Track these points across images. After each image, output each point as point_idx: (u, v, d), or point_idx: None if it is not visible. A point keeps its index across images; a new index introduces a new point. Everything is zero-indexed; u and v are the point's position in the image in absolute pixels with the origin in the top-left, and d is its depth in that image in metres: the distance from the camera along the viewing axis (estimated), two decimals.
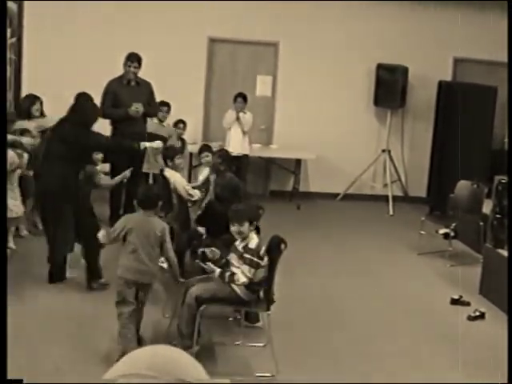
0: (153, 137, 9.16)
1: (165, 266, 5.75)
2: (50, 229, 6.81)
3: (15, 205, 7.41)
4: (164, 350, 1.21)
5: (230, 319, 6.24)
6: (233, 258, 5.39)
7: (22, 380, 3.49)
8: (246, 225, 5.28)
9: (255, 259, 5.22)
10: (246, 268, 5.22)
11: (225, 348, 5.71)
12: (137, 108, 8.66)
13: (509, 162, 8.18)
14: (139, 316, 5.42)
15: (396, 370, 5.60)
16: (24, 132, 8.02)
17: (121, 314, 5.29)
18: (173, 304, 5.92)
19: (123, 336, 5.25)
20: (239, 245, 5.35)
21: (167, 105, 9.44)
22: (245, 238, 5.32)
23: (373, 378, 5.41)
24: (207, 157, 8.09)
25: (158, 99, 9.14)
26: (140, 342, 5.29)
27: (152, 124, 9.30)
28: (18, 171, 7.54)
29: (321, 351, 5.83)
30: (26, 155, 7.75)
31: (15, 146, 7.58)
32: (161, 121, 9.43)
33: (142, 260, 5.27)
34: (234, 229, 5.33)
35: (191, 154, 10.38)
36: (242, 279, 5.22)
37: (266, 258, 5.30)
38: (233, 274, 5.25)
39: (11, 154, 7.44)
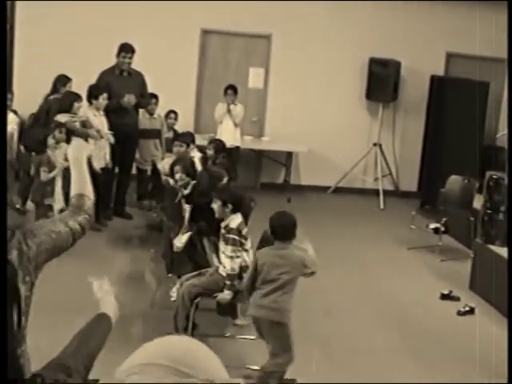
0: (147, 132, 9.16)
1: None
2: None
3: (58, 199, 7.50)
4: (181, 341, 1.22)
5: None
6: (221, 245, 5.43)
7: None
8: (218, 203, 5.42)
9: (237, 238, 5.29)
10: (228, 249, 5.25)
11: (215, 340, 5.69)
12: (129, 99, 8.62)
13: (509, 159, 8.17)
14: None
15: (385, 364, 5.60)
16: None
17: None
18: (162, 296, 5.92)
19: None
20: (223, 228, 5.42)
21: (155, 97, 9.34)
22: (221, 218, 5.41)
23: (362, 371, 5.41)
24: (181, 147, 8.01)
25: (151, 91, 9.09)
26: None
27: (144, 119, 9.22)
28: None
29: (310, 344, 5.82)
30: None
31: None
32: (151, 114, 9.33)
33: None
34: (212, 204, 5.48)
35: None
36: (234, 266, 5.24)
37: (249, 242, 5.36)
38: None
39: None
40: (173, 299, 5.61)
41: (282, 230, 4.80)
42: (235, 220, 5.40)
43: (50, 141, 7.46)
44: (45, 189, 7.38)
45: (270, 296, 4.70)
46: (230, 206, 5.41)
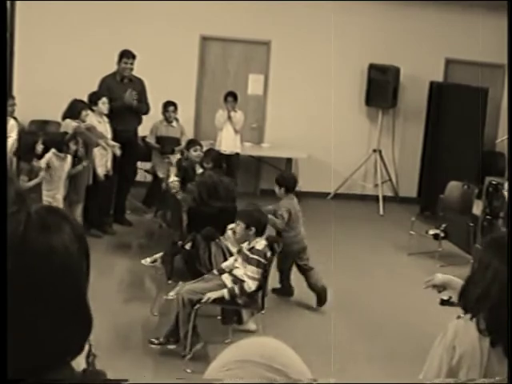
0: (164, 140, 9.17)
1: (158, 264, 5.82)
2: None
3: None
4: (272, 342, 1.30)
5: (219, 318, 6.23)
6: (237, 262, 5.44)
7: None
8: (241, 225, 5.43)
9: (262, 260, 5.35)
10: (252, 269, 5.29)
11: (215, 347, 5.69)
12: (131, 94, 8.59)
13: (509, 165, 8.19)
14: None
15: (383, 370, 5.60)
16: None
17: None
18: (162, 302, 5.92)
19: None
20: (245, 247, 5.44)
21: (173, 104, 9.31)
22: (243, 240, 5.47)
23: (360, 378, 5.41)
24: (195, 151, 8.05)
25: (150, 97, 9.09)
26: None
27: (161, 127, 9.25)
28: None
29: (309, 351, 5.82)
30: (69, 156, 7.69)
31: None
32: (169, 121, 9.33)
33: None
34: (233, 225, 5.55)
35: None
36: (252, 286, 5.28)
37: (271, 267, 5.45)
38: (241, 283, 5.31)
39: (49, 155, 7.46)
40: (170, 297, 5.66)
41: (293, 185, 6.77)
42: (261, 243, 5.43)
43: (38, 149, 7.45)
44: (28, 196, 7.29)
45: (301, 231, 6.85)
46: (253, 229, 5.43)
